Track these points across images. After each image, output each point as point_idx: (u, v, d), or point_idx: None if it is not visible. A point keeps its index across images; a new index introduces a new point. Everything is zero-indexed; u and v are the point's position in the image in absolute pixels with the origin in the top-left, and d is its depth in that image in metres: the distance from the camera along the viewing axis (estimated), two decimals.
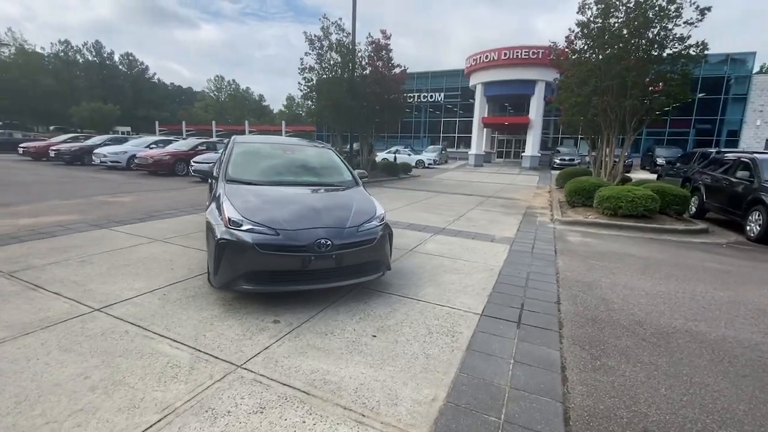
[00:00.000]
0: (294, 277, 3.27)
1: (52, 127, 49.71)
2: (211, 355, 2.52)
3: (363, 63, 16.14)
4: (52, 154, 17.10)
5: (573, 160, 26.74)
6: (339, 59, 14.93)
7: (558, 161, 27.09)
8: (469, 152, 32.99)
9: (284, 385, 2.25)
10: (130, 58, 71.09)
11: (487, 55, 29.70)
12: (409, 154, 29.29)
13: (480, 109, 31.80)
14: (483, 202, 11.04)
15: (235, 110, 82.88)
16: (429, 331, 3.04)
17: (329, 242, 3.26)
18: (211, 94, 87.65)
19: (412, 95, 41.10)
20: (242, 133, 51.98)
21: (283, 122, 60.27)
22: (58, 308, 3.09)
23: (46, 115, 55.17)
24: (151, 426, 1.89)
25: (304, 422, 1.96)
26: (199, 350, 2.58)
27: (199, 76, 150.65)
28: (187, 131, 56.39)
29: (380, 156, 29.29)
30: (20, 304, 3.13)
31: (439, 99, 40.97)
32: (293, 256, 3.18)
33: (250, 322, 3.00)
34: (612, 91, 10.14)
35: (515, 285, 4.21)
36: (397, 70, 16.78)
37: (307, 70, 14.83)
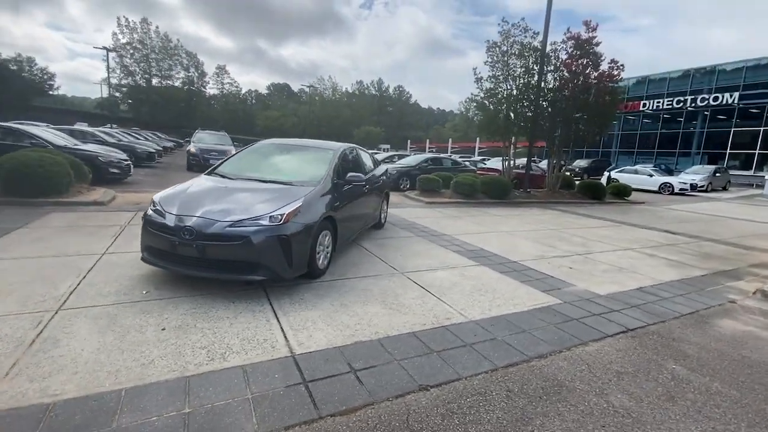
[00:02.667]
0: (168, 257, 3.52)
1: None
2: None
3: (557, 64, 13.81)
4: None
5: None
6: (520, 63, 13.36)
7: None
8: None
9: None
10: (400, 89, 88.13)
11: None
12: (651, 175, 22.53)
13: None
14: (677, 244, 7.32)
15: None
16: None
17: (192, 230, 3.33)
18: (464, 114, 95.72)
19: (683, 98, 31.40)
20: (472, 149, 54.16)
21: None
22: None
23: (344, 136, 76.15)
24: None
25: None
26: None
27: (461, 97, 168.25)
28: (429, 148, 64.08)
29: (608, 174, 23.99)
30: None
31: (730, 101, 29.11)
32: (164, 237, 3.45)
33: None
34: None
35: None
36: (606, 68, 13.38)
37: (484, 80, 14.08)
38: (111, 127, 29.72)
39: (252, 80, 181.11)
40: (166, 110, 57.44)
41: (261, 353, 2.60)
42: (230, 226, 3.40)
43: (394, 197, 11.73)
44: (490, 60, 13.64)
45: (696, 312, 3.99)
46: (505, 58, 13.51)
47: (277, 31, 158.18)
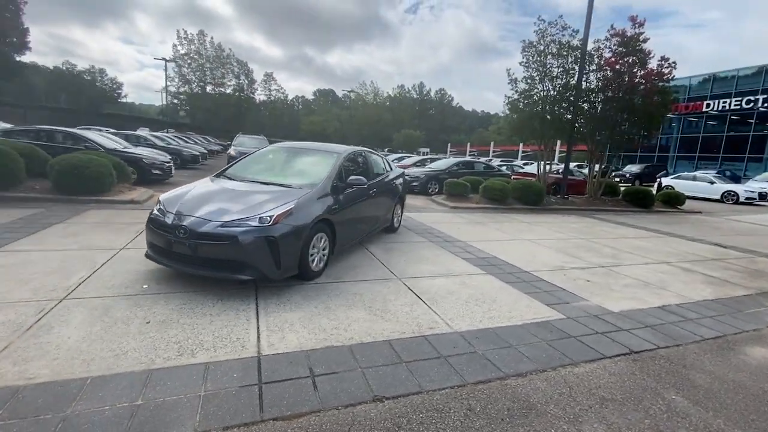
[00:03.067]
0: (166, 254, 3.70)
1: (386, 149, 68.56)
2: None
3: (600, 63, 12.98)
4: None
5: None
6: (557, 63, 12.68)
7: None
8: None
9: None
10: (442, 92, 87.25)
11: None
12: (712, 182, 20.54)
13: None
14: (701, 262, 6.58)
15: None
16: None
17: (186, 229, 3.48)
18: (507, 117, 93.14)
19: (755, 97, 28.45)
20: (516, 153, 52.39)
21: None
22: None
23: (384, 140, 76.61)
24: None
25: None
26: None
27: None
28: (470, 152, 62.82)
29: (665, 181, 22.10)
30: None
31: None
32: (162, 235, 3.64)
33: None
34: None
35: None
36: (655, 66, 12.39)
37: (519, 81, 13.50)
38: (167, 132, 32.16)
39: (299, 86, 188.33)
40: (218, 116, 61.04)
41: (229, 351, 2.65)
42: (221, 226, 3.51)
43: (418, 201, 11.63)
44: (525, 60, 13.11)
45: (722, 336, 3.54)
46: (541, 58, 12.92)
47: (324, 39, 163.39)
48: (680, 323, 3.78)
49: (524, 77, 13.44)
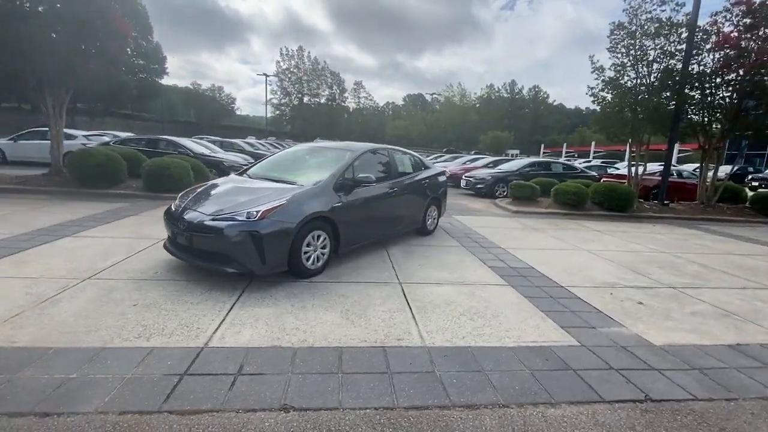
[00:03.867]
0: (173, 245, 4.01)
1: (473, 152, 66.40)
2: None
3: (717, 40, 10.62)
4: None
5: None
6: (655, 44, 10.66)
7: None
8: None
9: None
10: (536, 89, 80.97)
11: None
12: None
13: None
14: None
15: None
16: None
17: (185, 222, 3.72)
18: None
19: None
20: (622, 154, 46.16)
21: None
22: None
23: (470, 142, 74.28)
24: None
25: None
26: None
27: None
28: (566, 153, 57.23)
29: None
30: None
31: None
32: (170, 227, 3.96)
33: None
34: None
35: None
36: None
37: (606, 68, 11.69)
38: (267, 140, 35.85)
39: (391, 93, 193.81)
40: (313, 124, 66.15)
41: (181, 339, 2.73)
42: (211, 219, 3.69)
43: (478, 204, 10.93)
44: (612, 45, 11.38)
45: None
46: (633, 41, 11.06)
47: (415, 45, 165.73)
48: (751, 370, 2.80)
49: (612, 64, 11.67)
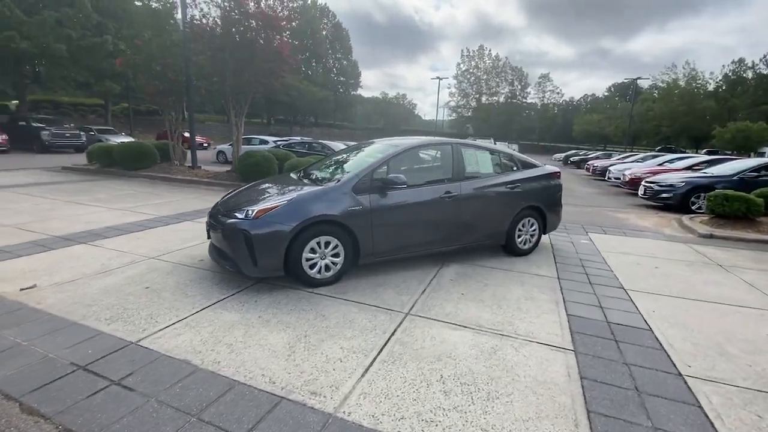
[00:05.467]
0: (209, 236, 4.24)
1: (703, 150, 50.44)
2: None
3: None
4: (589, 169, 19.82)
5: None
6: None
7: None
8: None
9: None
10: None
11: None
12: None
13: None
14: None
15: None
16: None
17: (216, 218, 3.83)
18: None
19: None
20: None
21: None
22: None
23: (700, 138, 56.55)
24: None
25: None
26: None
27: None
28: None
29: None
30: None
31: None
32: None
33: None
34: None
35: None
36: None
37: None
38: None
39: (591, 84, 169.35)
40: (489, 123, 64.07)
41: (127, 332, 2.77)
42: (222, 215, 3.71)
43: (647, 220, 8.07)
44: None
45: None
46: None
47: (626, 25, 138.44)
48: None
49: None
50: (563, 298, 3.69)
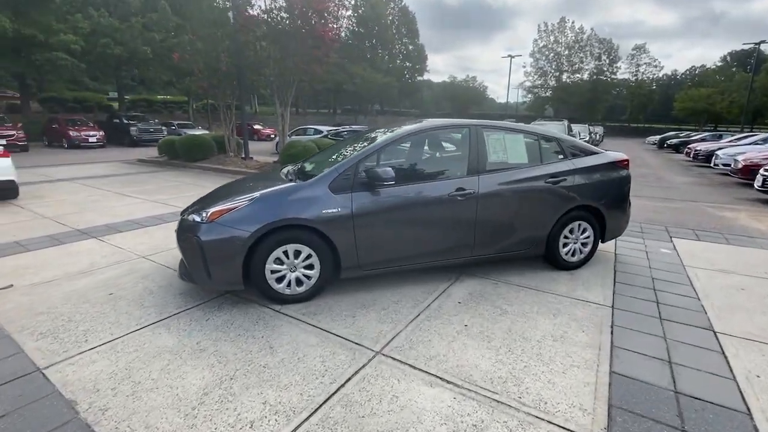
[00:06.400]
0: None
1: None
2: None
3: None
4: (690, 153, 16.45)
5: None
6: None
7: None
8: None
9: None
10: None
11: None
12: None
13: None
14: None
15: None
16: None
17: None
18: None
19: None
20: None
21: None
22: None
23: None
24: None
25: None
26: None
27: None
28: None
29: None
30: None
31: None
32: None
33: None
34: None
35: None
36: None
37: None
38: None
39: (699, 54, 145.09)
40: (568, 104, 57.94)
41: (47, 353, 2.42)
42: (183, 215, 3.25)
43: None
44: None
45: None
46: None
47: None
48: None
49: None
50: (611, 343, 2.60)
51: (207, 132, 21.37)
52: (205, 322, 2.82)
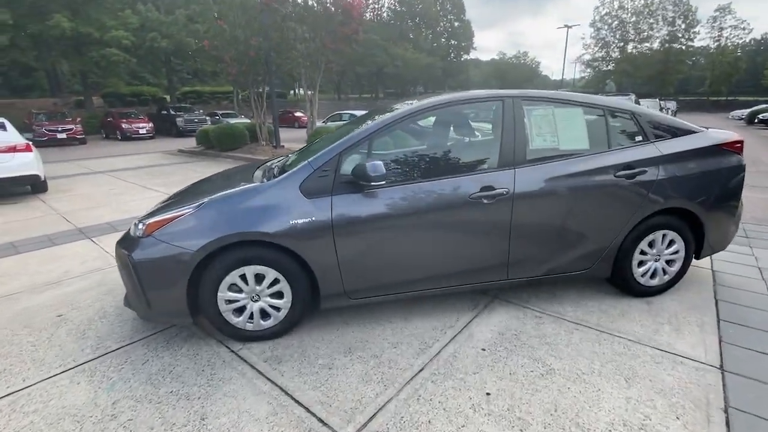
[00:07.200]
0: None
1: None
2: None
3: None
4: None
5: None
6: None
7: None
8: None
9: None
10: None
11: None
12: None
13: None
14: None
15: None
16: None
17: None
18: None
19: None
20: None
21: None
22: None
23: None
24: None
25: None
26: None
27: None
28: None
29: None
30: None
31: None
32: None
33: None
34: None
35: None
36: None
37: None
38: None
39: None
40: (636, 77, 52.13)
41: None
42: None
43: None
44: None
45: None
46: None
47: None
48: None
49: None
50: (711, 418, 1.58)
51: (247, 121, 21.52)
52: (141, 366, 2.18)
